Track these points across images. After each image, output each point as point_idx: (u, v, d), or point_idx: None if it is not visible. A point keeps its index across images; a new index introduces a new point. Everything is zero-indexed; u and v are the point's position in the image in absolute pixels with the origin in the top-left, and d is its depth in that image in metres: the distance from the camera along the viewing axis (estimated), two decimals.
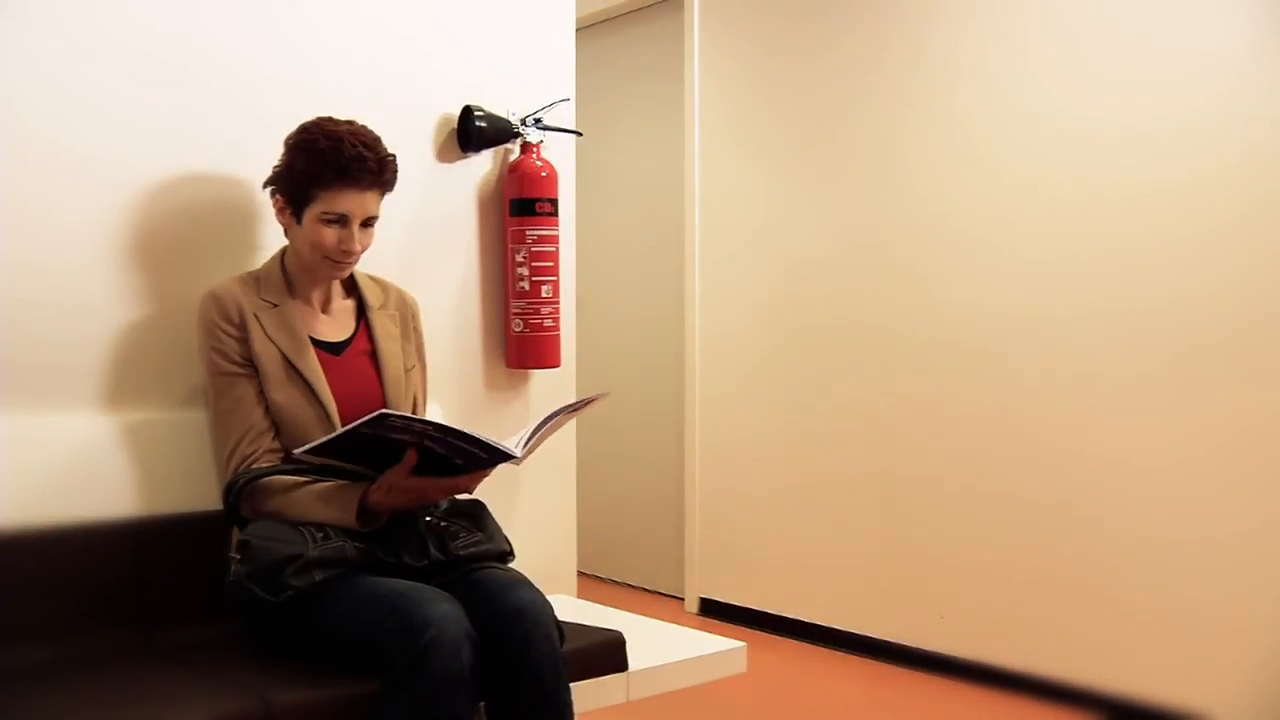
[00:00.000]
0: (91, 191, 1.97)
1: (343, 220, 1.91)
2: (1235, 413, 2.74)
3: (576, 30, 2.68)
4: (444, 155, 2.44)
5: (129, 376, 2.01)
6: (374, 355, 2.04)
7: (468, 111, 2.44)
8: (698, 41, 4.04)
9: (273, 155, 1.95)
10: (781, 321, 3.78)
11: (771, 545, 3.83)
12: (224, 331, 1.91)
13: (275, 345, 1.92)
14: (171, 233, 2.06)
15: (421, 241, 2.40)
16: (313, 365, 1.94)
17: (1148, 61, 2.88)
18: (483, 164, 2.51)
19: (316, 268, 1.97)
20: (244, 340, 1.91)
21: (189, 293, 2.02)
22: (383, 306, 2.10)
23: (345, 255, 1.94)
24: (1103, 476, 2.97)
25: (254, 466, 1.88)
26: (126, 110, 2.01)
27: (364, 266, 2.08)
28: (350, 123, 1.94)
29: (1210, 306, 2.77)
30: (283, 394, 1.91)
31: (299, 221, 1.93)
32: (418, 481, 1.80)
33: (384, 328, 2.07)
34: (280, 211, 1.96)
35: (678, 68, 4.13)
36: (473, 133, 2.44)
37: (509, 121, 2.49)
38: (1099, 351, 2.97)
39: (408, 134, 2.37)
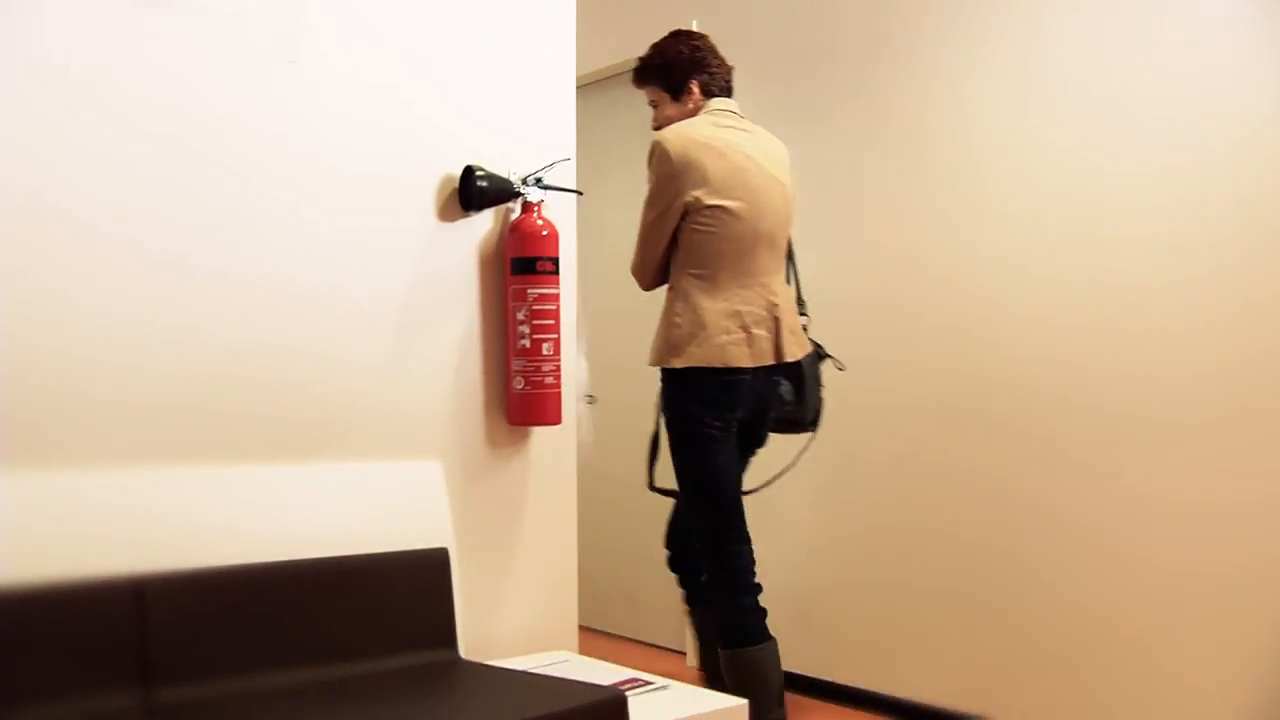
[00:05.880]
0: (91, 259, 2.00)
1: None
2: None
3: (577, 88, 2.72)
4: (445, 214, 2.48)
5: (134, 429, 2.03)
6: None
7: (469, 171, 2.47)
8: None
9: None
10: None
11: (773, 598, 3.80)
12: None
13: None
14: (171, 301, 2.10)
15: (424, 299, 2.43)
16: None
17: (1156, 111, 2.89)
18: (484, 223, 2.54)
19: None
20: None
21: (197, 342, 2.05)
22: None
23: None
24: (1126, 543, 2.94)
25: None
26: (127, 178, 2.03)
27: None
28: None
29: (1215, 356, 2.76)
30: None
31: None
32: None
33: None
34: None
35: None
36: (474, 192, 2.47)
37: (510, 181, 2.52)
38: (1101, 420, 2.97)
39: (409, 194, 2.41)
